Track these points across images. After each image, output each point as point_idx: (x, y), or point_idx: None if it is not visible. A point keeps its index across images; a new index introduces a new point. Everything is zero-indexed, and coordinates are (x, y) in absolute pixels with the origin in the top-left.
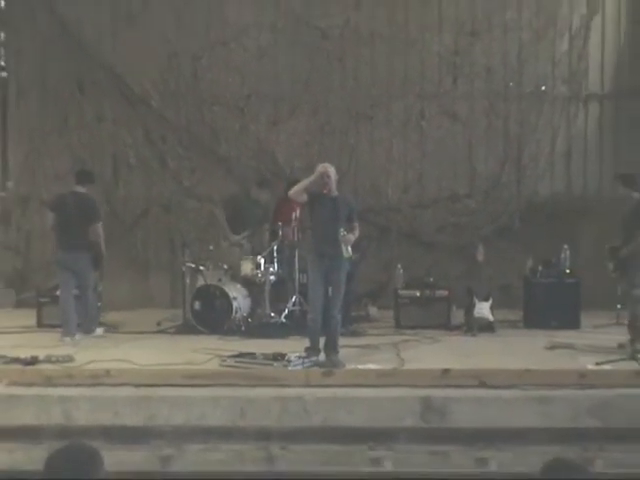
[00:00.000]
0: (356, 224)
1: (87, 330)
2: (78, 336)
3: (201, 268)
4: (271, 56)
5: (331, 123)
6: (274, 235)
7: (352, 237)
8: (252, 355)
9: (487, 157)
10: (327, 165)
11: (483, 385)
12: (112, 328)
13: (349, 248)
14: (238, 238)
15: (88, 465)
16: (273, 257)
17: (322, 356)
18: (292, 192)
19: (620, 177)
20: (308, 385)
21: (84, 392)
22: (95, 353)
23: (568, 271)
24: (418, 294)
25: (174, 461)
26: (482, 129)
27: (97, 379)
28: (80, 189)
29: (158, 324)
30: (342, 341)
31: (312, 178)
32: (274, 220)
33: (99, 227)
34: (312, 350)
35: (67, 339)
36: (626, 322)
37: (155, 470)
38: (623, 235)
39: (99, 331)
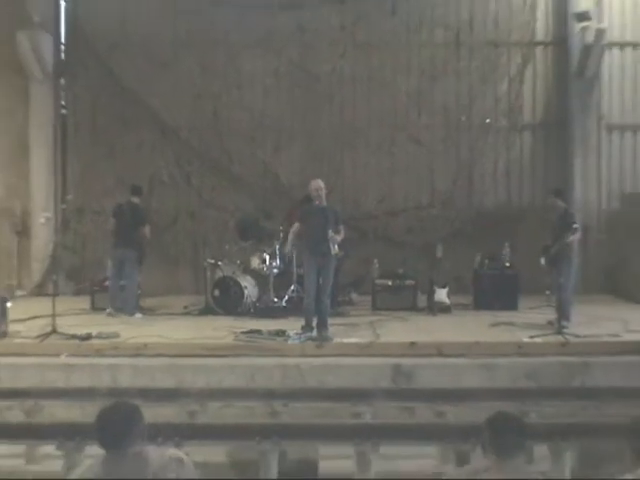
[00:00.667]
0: (341, 228)
1: (130, 313)
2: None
3: (219, 263)
4: (274, 96)
5: (321, 149)
6: (285, 236)
7: (338, 237)
8: (259, 332)
9: (444, 175)
10: (318, 180)
11: (441, 354)
12: (149, 310)
13: (336, 246)
14: (244, 245)
15: (131, 418)
16: (276, 254)
17: (315, 332)
18: (292, 229)
19: (554, 190)
20: (304, 355)
21: (127, 361)
22: (136, 330)
23: (508, 264)
24: (390, 283)
25: (199, 415)
26: (440, 153)
27: (137, 351)
28: (134, 199)
29: (185, 307)
30: (330, 320)
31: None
32: (287, 224)
33: (147, 229)
34: (307, 327)
35: (109, 310)
36: (554, 304)
37: (184, 422)
38: (552, 236)
39: (138, 315)
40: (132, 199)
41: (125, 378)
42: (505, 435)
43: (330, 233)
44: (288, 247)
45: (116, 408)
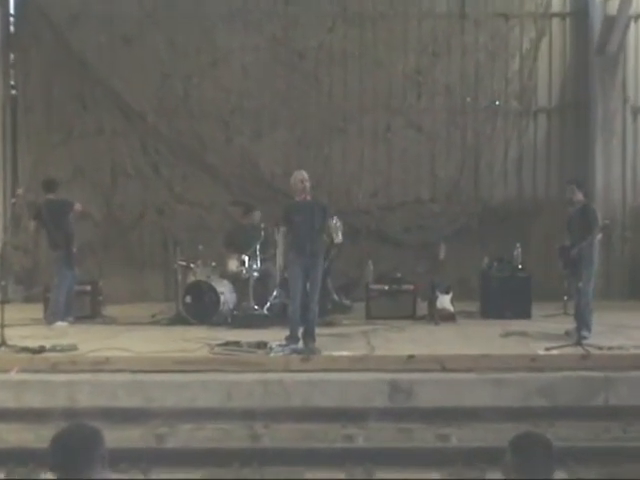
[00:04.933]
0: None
1: (50, 320)
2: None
3: (191, 266)
4: (253, 75)
5: (308, 135)
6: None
7: (339, 224)
8: (238, 343)
9: (447, 165)
10: (302, 172)
11: (444, 369)
12: (111, 319)
13: (339, 234)
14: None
15: (90, 442)
16: (257, 255)
17: (301, 344)
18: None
19: (573, 182)
20: (288, 370)
21: (86, 377)
22: (96, 343)
23: (520, 267)
24: (386, 288)
25: (168, 439)
26: (443, 140)
27: (98, 366)
28: (50, 196)
29: (153, 316)
30: (318, 330)
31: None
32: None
33: (77, 206)
34: (292, 338)
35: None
36: (572, 312)
37: (151, 446)
38: (571, 235)
39: (61, 324)
40: (47, 196)
41: (84, 396)
42: (532, 459)
43: (334, 220)
44: (280, 261)
45: (73, 431)
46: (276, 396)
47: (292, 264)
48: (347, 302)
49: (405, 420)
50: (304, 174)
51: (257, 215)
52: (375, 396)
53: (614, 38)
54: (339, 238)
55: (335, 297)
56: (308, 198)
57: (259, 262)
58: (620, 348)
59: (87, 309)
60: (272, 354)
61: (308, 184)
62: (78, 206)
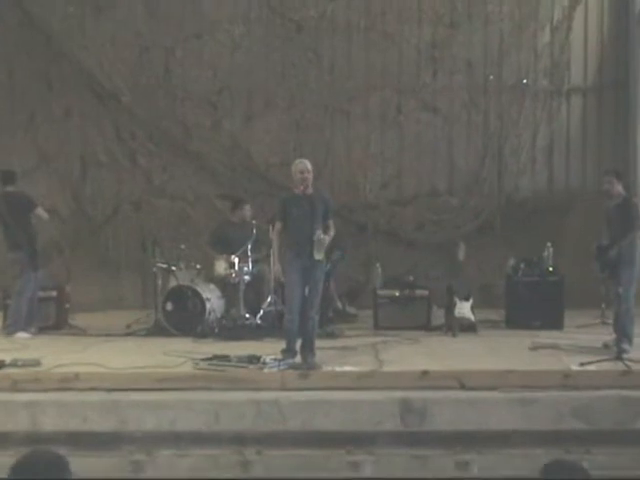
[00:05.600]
0: (331, 223)
1: (9, 331)
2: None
3: (173, 268)
4: (244, 49)
5: (306, 118)
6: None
7: (328, 239)
8: (226, 357)
9: (467, 152)
10: (305, 161)
11: (463, 387)
12: (81, 330)
13: (322, 250)
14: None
15: (53, 472)
16: (248, 256)
17: (298, 358)
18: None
19: (613, 171)
20: (284, 388)
21: (52, 397)
22: (64, 357)
23: (551, 269)
24: (397, 294)
25: (146, 467)
26: (462, 123)
27: (65, 383)
28: (9, 188)
29: (128, 326)
30: (319, 343)
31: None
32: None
33: (39, 210)
34: (288, 352)
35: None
36: (611, 321)
37: (126, 477)
38: (609, 233)
39: (23, 335)
40: (6, 189)
41: (49, 419)
42: None
43: (318, 233)
44: (276, 265)
45: (36, 458)
46: (270, 418)
47: (289, 266)
48: (352, 310)
49: (419, 445)
50: (306, 164)
51: (248, 210)
52: (384, 418)
53: None
54: (320, 255)
55: (338, 304)
56: (310, 191)
57: (251, 264)
58: None
59: (52, 318)
60: (266, 370)
61: (310, 176)
62: (42, 212)
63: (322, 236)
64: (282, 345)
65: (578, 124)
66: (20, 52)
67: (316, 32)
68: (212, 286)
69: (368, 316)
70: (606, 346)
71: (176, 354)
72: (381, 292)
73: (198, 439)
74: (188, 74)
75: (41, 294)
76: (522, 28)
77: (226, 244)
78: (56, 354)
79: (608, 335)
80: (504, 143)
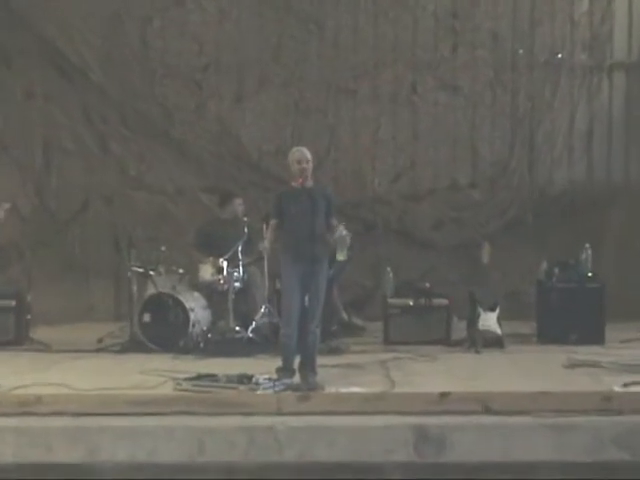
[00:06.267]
0: (334, 222)
1: None
2: None
3: (151, 273)
4: (234, 19)
5: (306, 99)
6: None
7: (349, 237)
8: (213, 377)
9: (493, 138)
10: (303, 150)
11: (488, 411)
12: (44, 346)
13: (345, 250)
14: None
15: None
16: (238, 259)
17: (297, 378)
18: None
19: None
20: (280, 412)
21: (10, 423)
22: (24, 376)
23: (590, 274)
24: (411, 303)
25: None
26: (486, 105)
27: (26, 407)
28: None
29: (100, 341)
30: (320, 360)
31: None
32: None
33: None
34: (285, 371)
35: None
36: None
37: None
38: None
39: None
40: None
41: (7, 448)
42: None
43: (340, 230)
44: (266, 245)
45: None
46: (264, 447)
47: (286, 271)
48: (359, 322)
49: (436, 479)
50: (304, 153)
51: (239, 205)
52: (396, 447)
53: None
54: (343, 254)
55: (343, 315)
56: (309, 184)
57: (241, 268)
58: None
59: (11, 332)
60: (259, 391)
61: (309, 166)
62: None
63: (344, 232)
64: (278, 363)
65: (621, 105)
66: None
67: None
68: (197, 294)
69: (377, 329)
70: None
71: (155, 373)
72: (392, 301)
73: (180, 472)
74: (168, 47)
75: None
76: None
77: (214, 245)
78: (15, 374)
79: None
80: (536, 128)
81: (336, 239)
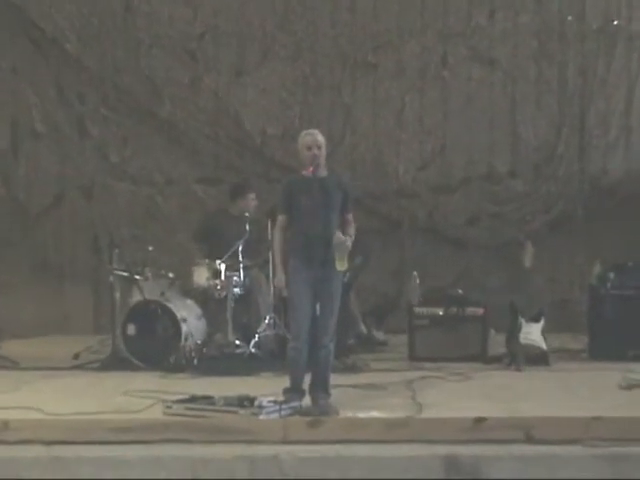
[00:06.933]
0: (350, 218)
1: None
2: None
3: (136, 277)
4: None
5: (317, 73)
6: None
7: (349, 242)
8: (209, 399)
9: (537, 119)
10: (315, 133)
11: (531, 439)
12: (12, 363)
13: (345, 257)
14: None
15: None
16: (239, 261)
17: (307, 400)
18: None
19: None
20: (287, 441)
21: None
22: None
23: None
24: (441, 313)
25: None
26: (529, 80)
27: None
28: None
29: (76, 357)
30: (335, 379)
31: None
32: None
33: None
34: (293, 392)
35: None
36: None
37: None
38: None
39: None
40: None
41: None
42: None
43: (337, 235)
44: (278, 274)
45: None
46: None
47: (295, 276)
48: (380, 335)
49: None
50: (316, 137)
51: (251, 200)
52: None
53: None
54: (343, 264)
55: (361, 327)
56: (322, 173)
57: (242, 272)
58: None
59: None
60: (262, 416)
61: (321, 152)
62: None
63: (343, 238)
64: (285, 382)
65: None
66: None
67: None
68: (190, 302)
69: (402, 343)
70: None
71: (141, 394)
72: (419, 310)
73: None
74: (157, 13)
75: None
76: None
77: (217, 243)
78: None
79: None
80: (587, 107)
81: (334, 246)
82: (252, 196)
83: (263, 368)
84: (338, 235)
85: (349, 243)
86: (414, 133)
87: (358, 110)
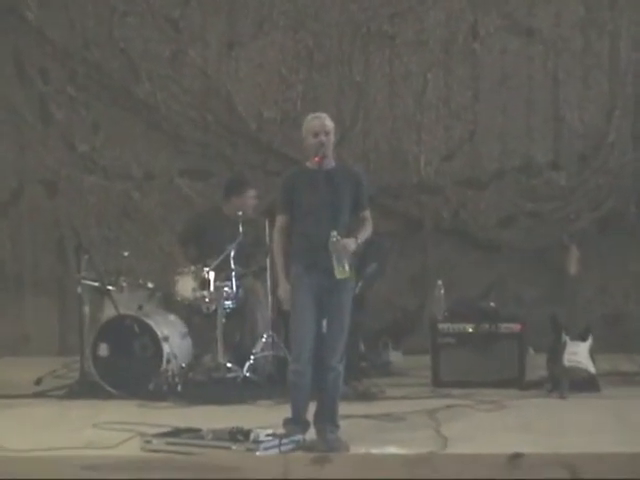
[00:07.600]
0: (367, 215)
1: None
2: None
3: (109, 288)
4: None
5: (324, 46)
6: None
7: (352, 243)
8: (195, 432)
9: (584, 102)
10: (322, 116)
11: (578, 479)
12: None
13: (346, 263)
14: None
15: None
16: (230, 269)
17: (311, 433)
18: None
19: None
20: None
21: None
22: None
23: None
24: (470, 330)
25: None
26: (574, 54)
27: None
28: None
29: (38, 382)
30: (345, 408)
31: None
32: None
33: None
34: (295, 423)
35: None
36: None
37: None
38: None
39: None
40: None
41: None
42: None
43: (333, 235)
44: (281, 284)
45: None
46: None
47: (297, 286)
48: (397, 356)
49: None
50: (324, 122)
51: (250, 198)
52: None
53: None
54: (343, 271)
55: (360, 346)
56: (330, 164)
57: (235, 282)
58: None
59: None
60: (259, 452)
61: (330, 140)
62: None
63: (338, 238)
64: (286, 412)
65: None
66: None
67: None
68: (173, 317)
69: (424, 365)
70: None
71: (114, 427)
72: (444, 327)
73: None
74: None
75: None
76: None
77: (206, 248)
78: None
79: None
80: None
81: (330, 248)
82: (251, 194)
83: (260, 395)
84: (334, 235)
85: (352, 245)
86: (438, 117)
87: (372, 90)
